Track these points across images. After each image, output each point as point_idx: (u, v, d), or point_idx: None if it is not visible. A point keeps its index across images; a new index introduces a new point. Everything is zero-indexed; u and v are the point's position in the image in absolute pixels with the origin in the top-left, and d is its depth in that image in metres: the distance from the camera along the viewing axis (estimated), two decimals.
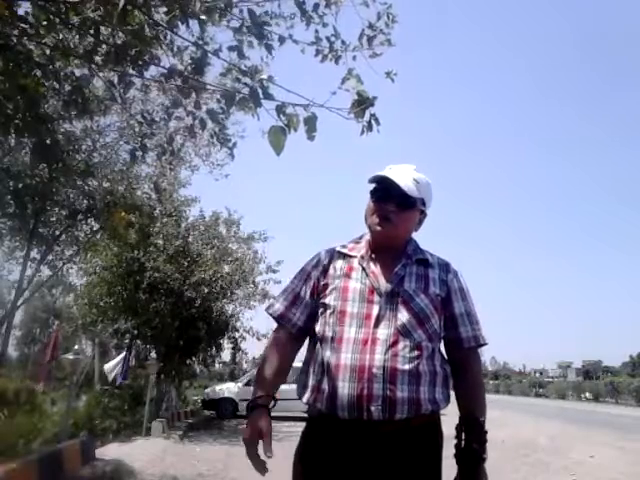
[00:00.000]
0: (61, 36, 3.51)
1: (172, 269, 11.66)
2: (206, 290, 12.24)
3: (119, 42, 3.31)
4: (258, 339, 13.39)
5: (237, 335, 13.82)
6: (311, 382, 1.59)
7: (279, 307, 1.72)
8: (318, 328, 1.64)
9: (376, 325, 1.54)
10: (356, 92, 2.73)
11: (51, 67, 3.62)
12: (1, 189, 7.35)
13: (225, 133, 4.32)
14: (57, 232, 9.22)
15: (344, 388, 1.48)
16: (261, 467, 1.54)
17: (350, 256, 1.70)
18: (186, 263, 12.16)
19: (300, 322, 1.69)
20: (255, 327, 13.70)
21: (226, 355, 16.31)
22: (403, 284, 1.61)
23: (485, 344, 1.69)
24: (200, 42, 3.55)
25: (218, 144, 4.48)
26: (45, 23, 3.28)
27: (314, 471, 1.55)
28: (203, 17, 3.12)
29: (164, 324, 11.90)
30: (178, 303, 11.99)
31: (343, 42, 3.55)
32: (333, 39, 3.55)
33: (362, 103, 2.69)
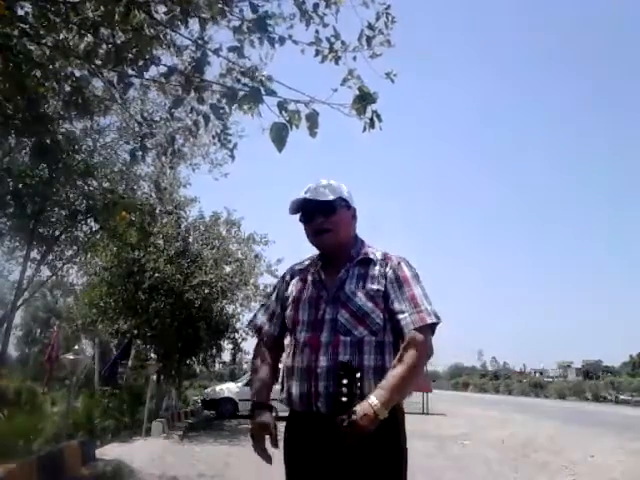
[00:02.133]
0: (61, 36, 3.51)
1: (172, 270, 11.67)
2: (206, 291, 12.24)
3: (119, 42, 3.31)
4: None
5: (237, 336, 13.84)
6: (283, 383, 1.79)
7: (257, 322, 1.94)
8: (285, 337, 1.87)
9: (320, 329, 1.69)
10: (357, 88, 2.73)
11: (51, 67, 3.62)
12: (1, 189, 7.35)
13: (227, 133, 4.31)
14: (57, 232, 9.22)
15: (297, 387, 1.68)
16: (267, 458, 1.71)
17: (306, 270, 1.87)
18: (186, 264, 12.17)
19: (275, 333, 1.89)
20: None
21: (226, 355, 16.29)
22: (344, 287, 1.73)
23: (429, 323, 1.65)
24: (200, 41, 3.55)
25: (219, 144, 4.47)
26: (45, 23, 3.28)
27: (289, 454, 1.74)
28: (204, 14, 3.12)
29: (164, 324, 11.91)
30: (178, 303, 11.99)
31: (343, 42, 3.54)
32: (333, 39, 3.54)
33: (364, 99, 2.69)
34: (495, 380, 60.02)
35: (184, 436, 10.57)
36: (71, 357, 7.24)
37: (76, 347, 8.69)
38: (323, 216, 1.78)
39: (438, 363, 70.12)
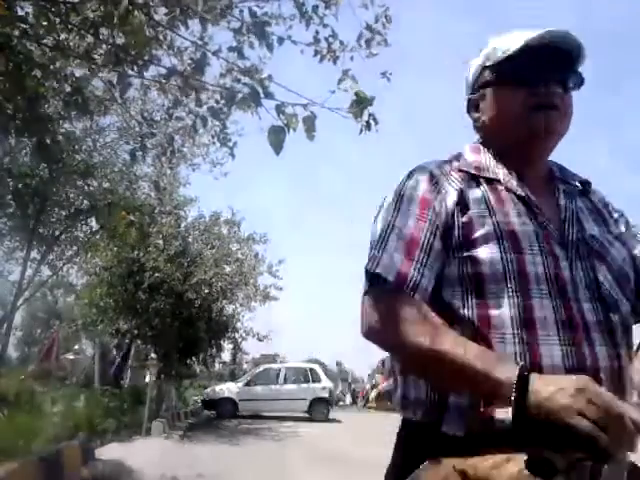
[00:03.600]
0: (61, 36, 3.52)
1: (172, 269, 11.70)
2: (206, 290, 12.27)
3: (119, 42, 3.32)
4: (259, 340, 13.41)
5: (237, 335, 13.87)
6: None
7: (395, 263, 0.92)
8: (470, 304, 0.91)
9: (576, 295, 0.91)
10: (354, 92, 2.76)
11: (51, 67, 3.63)
12: (1, 189, 7.37)
13: (225, 133, 4.33)
14: (57, 232, 9.24)
15: None
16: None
17: (491, 180, 1.01)
18: (186, 263, 12.20)
19: (430, 286, 0.93)
20: (255, 328, 13.74)
21: (226, 355, 16.32)
22: (583, 224, 0.99)
23: None
24: (200, 42, 3.56)
25: (218, 143, 4.50)
26: (45, 23, 3.30)
27: None
28: (205, 16, 3.14)
29: (164, 324, 11.93)
30: (178, 303, 12.02)
31: (341, 42, 3.58)
32: (331, 40, 3.57)
33: (360, 103, 2.72)
34: None
35: (184, 436, 10.58)
36: (71, 357, 7.26)
37: (76, 347, 8.71)
38: (562, 85, 0.98)
39: None
